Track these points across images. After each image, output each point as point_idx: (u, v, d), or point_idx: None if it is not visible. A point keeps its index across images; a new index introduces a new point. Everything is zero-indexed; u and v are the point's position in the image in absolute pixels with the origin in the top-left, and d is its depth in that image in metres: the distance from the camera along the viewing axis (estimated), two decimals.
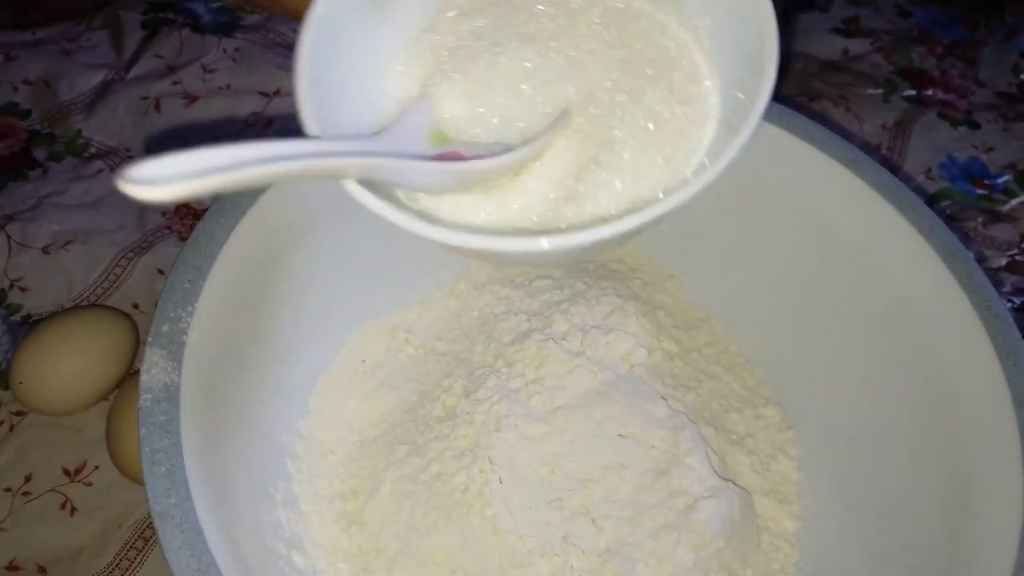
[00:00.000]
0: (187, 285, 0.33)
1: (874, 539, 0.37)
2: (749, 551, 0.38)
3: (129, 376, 0.46)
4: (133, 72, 0.62)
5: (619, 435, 0.39)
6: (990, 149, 0.63)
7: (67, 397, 0.44)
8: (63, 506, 0.43)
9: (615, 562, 0.35)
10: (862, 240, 0.40)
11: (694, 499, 0.36)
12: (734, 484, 0.38)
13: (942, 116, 0.65)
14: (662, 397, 0.41)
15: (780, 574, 0.38)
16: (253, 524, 0.33)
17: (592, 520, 0.36)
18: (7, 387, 0.46)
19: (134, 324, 0.47)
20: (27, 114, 0.59)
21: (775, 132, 0.41)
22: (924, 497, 0.35)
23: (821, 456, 0.41)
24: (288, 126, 0.47)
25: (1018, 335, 0.34)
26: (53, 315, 0.47)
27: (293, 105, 0.59)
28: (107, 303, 0.51)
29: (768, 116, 0.41)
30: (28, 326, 0.49)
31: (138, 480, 0.42)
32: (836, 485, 0.40)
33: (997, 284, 0.37)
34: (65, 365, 0.43)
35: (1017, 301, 0.54)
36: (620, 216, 0.24)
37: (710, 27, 0.29)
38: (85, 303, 0.51)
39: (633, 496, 0.37)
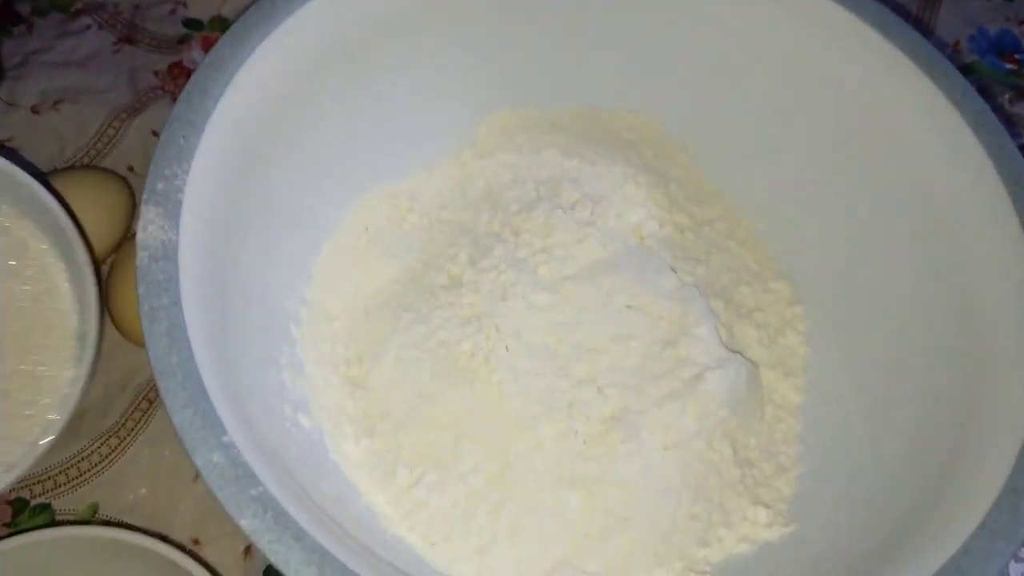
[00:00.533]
0: (181, 141, 0.32)
1: (878, 413, 0.37)
2: (753, 421, 0.38)
3: (127, 239, 0.45)
4: None
5: (627, 306, 0.38)
6: (1023, 22, 0.60)
7: None
8: None
9: (620, 428, 0.35)
10: (887, 108, 0.38)
11: (701, 369, 0.36)
12: (741, 356, 0.38)
13: None
14: (672, 269, 0.40)
15: (782, 444, 0.38)
16: (258, 385, 0.32)
17: (598, 388, 0.36)
18: None
19: (130, 186, 0.46)
20: None
21: None
22: (932, 371, 0.35)
23: (829, 331, 0.41)
24: None
25: None
26: (47, 175, 0.46)
27: None
28: (102, 165, 0.49)
29: None
30: None
31: (139, 343, 0.42)
32: (843, 359, 0.40)
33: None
34: None
35: None
36: None
37: None
38: (79, 164, 0.49)
39: (640, 365, 0.37)
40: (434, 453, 0.34)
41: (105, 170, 0.47)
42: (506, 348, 0.36)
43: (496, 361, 0.35)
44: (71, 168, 0.49)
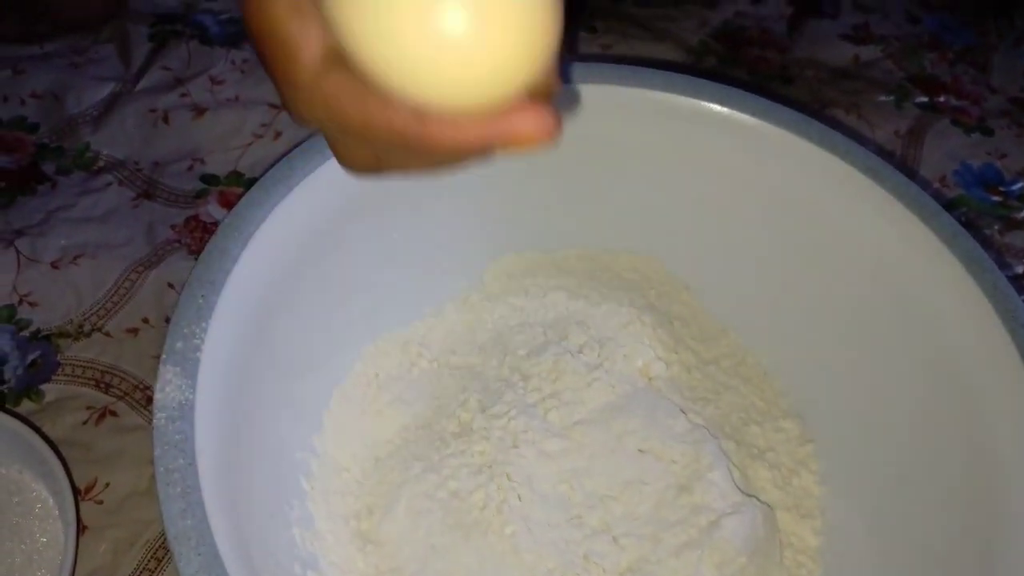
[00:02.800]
0: (200, 301, 0.33)
1: (896, 553, 0.36)
2: (772, 567, 0.37)
3: None
4: (141, 84, 0.62)
5: (639, 450, 0.38)
6: (1004, 155, 0.62)
7: None
8: None
9: None
10: (882, 248, 0.39)
11: (717, 515, 0.36)
12: (757, 499, 0.38)
13: (955, 123, 0.64)
14: (681, 411, 0.40)
15: None
16: (268, 544, 0.32)
17: (613, 538, 0.35)
18: (18, 404, 0.45)
19: None
20: (35, 128, 0.59)
21: (792, 139, 0.41)
22: (949, 512, 0.35)
23: (842, 469, 0.41)
24: (296, 138, 0.46)
25: None
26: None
27: None
28: (117, 317, 0.50)
29: (782, 122, 0.41)
30: (37, 342, 0.49)
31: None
32: (858, 499, 0.39)
33: (1017, 293, 0.36)
34: None
35: None
36: None
37: None
38: (95, 318, 0.50)
39: (654, 513, 0.36)
40: None
41: None
42: (519, 497, 0.36)
43: (508, 512, 0.35)
44: None
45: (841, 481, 0.40)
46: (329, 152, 0.38)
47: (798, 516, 0.39)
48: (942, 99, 0.66)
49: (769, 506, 0.38)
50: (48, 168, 0.57)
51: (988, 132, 0.64)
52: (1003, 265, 0.55)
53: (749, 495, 0.37)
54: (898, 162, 0.61)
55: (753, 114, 0.41)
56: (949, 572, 0.33)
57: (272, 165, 0.38)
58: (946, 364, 0.36)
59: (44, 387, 0.46)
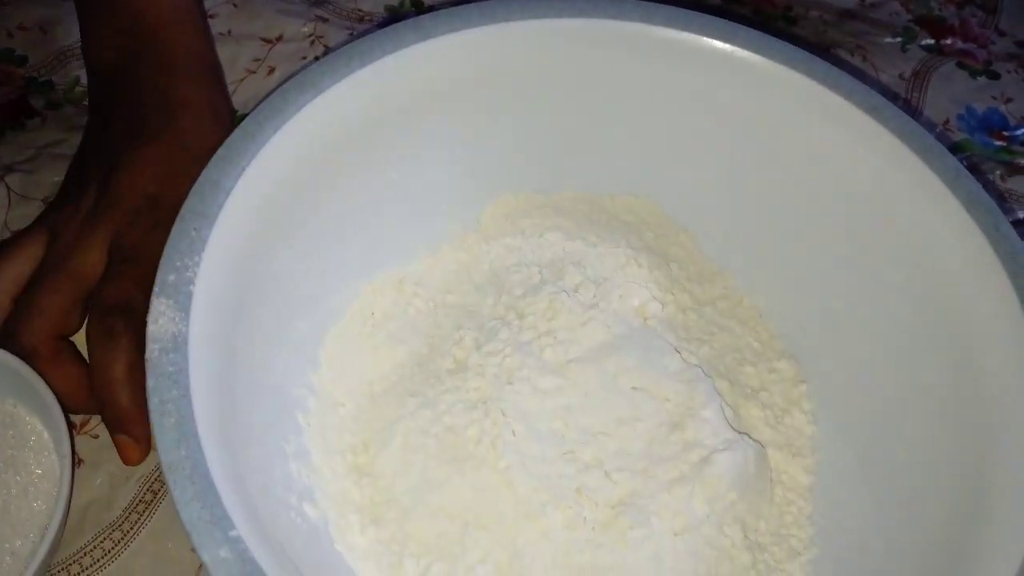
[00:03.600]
0: (193, 234, 0.32)
1: (889, 492, 0.37)
2: (763, 504, 0.37)
3: None
4: None
5: (633, 388, 0.38)
6: (1009, 100, 0.61)
7: None
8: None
9: (629, 514, 0.34)
10: (883, 190, 0.39)
11: (708, 452, 0.36)
12: (748, 437, 0.38)
13: (961, 66, 0.63)
14: (676, 350, 0.40)
15: (793, 527, 0.38)
16: (264, 475, 0.32)
17: (605, 473, 0.36)
18: None
19: None
20: (23, 61, 0.58)
21: (795, 77, 0.40)
22: (942, 452, 0.35)
23: (835, 410, 0.41)
24: (291, 73, 0.45)
25: None
26: None
27: (296, 53, 0.58)
28: None
29: (786, 60, 0.40)
30: None
31: None
32: (850, 438, 0.39)
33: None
34: None
35: None
36: None
37: None
38: None
39: (647, 449, 0.36)
40: (441, 543, 0.34)
41: None
42: (513, 433, 0.36)
43: (503, 446, 0.35)
44: None
45: (833, 421, 0.40)
46: (323, 85, 0.37)
47: (790, 455, 0.39)
48: (948, 41, 0.65)
49: (761, 444, 0.38)
50: (37, 102, 0.56)
51: (994, 76, 0.63)
52: (1005, 210, 0.55)
53: (741, 433, 0.38)
54: (902, 105, 0.60)
55: (756, 51, 0.40)
56: (939, 509, 0.34)
57: (264, 98, 0.37)
58: (943, 305, 0.36)
59: None
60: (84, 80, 0.57)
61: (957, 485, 0.33)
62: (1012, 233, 0.35)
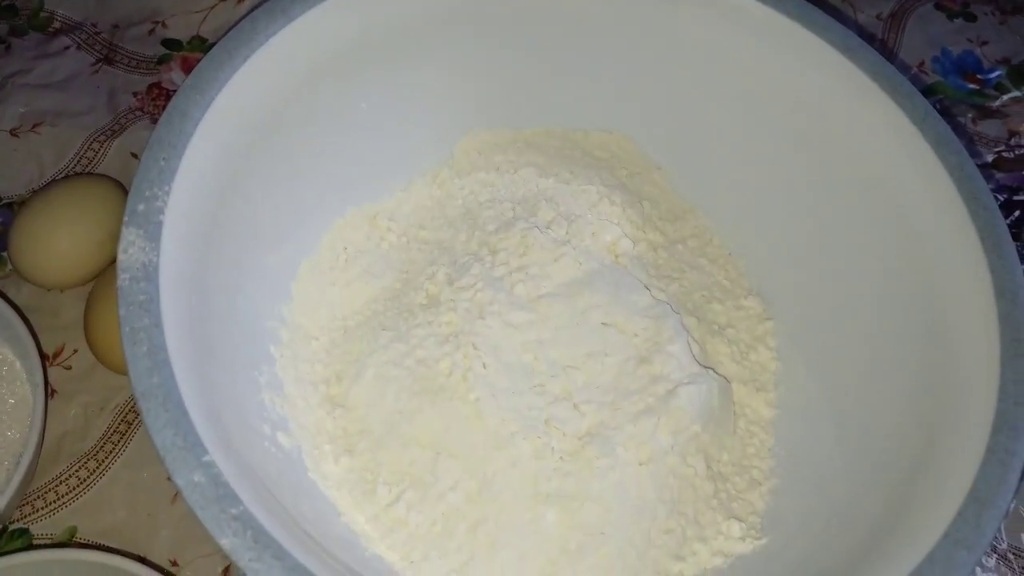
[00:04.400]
0: (162, 163, 0.32)
1: (848, 425, 0.38)
2: (725, 436, 0.38)
3: (109, 265, 0.45)
4: None
5: (602, 323, 0.39)
6: (985, 43, 0.62)
7: (66, 269, 0.43)
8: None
9: (595, 444, 0.35)
10: (853, 129, 0.39)
11: (674, 385, 0.37)
12: (714, 372, 0.39)
13: (938, 7, 0.63)
14: (646, 287, 0.41)
15: (755, 458, 0.39)
16: (237, 405, 0.33)
17: (574, 404, 0.36)
18: None
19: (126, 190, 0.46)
20: None
21: (768, 13, 0.40)
22: (899, 385, 0.36)
23: (800, 346, 0.42)
24: (261, 1, 0.44)
25: (1005, 228, 0.34)
26: (46, 185, 0.46)
27: None
28: None
29: None
30: (0, 209, 0.48)
31: (115, 368, 0.42)
32: (813, 375, 0.40)
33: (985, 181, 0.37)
34: (62, 235, 0.42)
35: (1002, 198, 0.54)
36: None
37: None
38: None
39: (614, 382, 0.37)
40: (413, 471, 0.35)
41: (103, 176, 0.47)
42: (484, 366, 0.36)
43: (474, 379, 0.36)
44: (67, 177, 0.49)
45: (798, 357, 0.41)
46: (294, 12, 0.37)
47: (754, 389, 0.40)
48: None
49: (726, 379, 0.39)
50: (1, 29, 0.55)
51: (971, 18, 0.63)
52: (974, 153, 0.56)
53: (707, 368, 0.38)
54: (878, 46, 0.60)
55: None
56: (898, 441, 0.35)
57: (234, 25, 0.36)
58: (906, 243, 0.37)
59: (6, 254, 0.46)
60: (48, 6, 0.56)
61: (916, 419, 0.34)
62: (976, 174, 0.36)
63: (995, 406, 0.31)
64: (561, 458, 0.35)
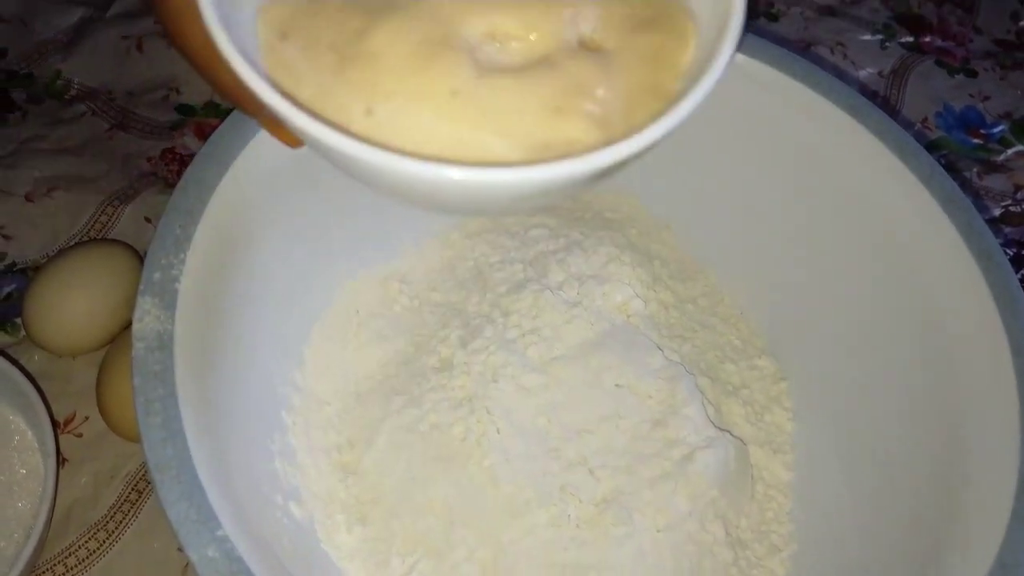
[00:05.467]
0: (178, 231, 0.32)
1: (868, 488, 0.37)
2: (744, 500, 0.38)
3: (122, 331, 0.45)
4: (113, 10, 0.60)
5: (616, 385, 0.39)
6: (987, 98, 0.62)
7: (80, 335, 0.43)
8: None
9: (612, 511, 0.35)
10: (861, 187, 0.39)
11: (690, 449, 0.37)
12: (730, 434, 0.38)
13: (939, 64, 0.64)
14: (658, 347, 0.40)
15: (774, 523, 0.38)
16: (250, 474, 0.32)
17: (589, 470, 0.36)
18: None
19: (140, 256, 0.46)
20: (3, 53, 0.57)
21: (775, 75, 0.40)
22: (918, 447, 0.36)
23: (815, 407, 0.41)
24: None
25: (1017, 285, 0.34)
26: (60, 252, 0.46)
27: None
28: None
29: (768, 59, 0.40)
30: (12, 275, 0.48)
31: (127, 436, 0.42)
32: (830, 435, 0.40)
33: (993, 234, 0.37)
34: (76, 302, 0.42)
35: (1011, 252, 0.54)
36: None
37: None
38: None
39: (630, 446, 0.37)
40: (427, 540, 0.34)
41: (118, 242, 0.48)
42: (497, 431, 0.36)
43: (488, 444, 0.36)
44: (85, 242, 0.49)
45: (813, 418, 0.41)
46: None
47: (770, 451, 0.40)
48: (927, 39, 0.65)
49: (742, 441, 0.39)
50: (18, 96, 0.56)
51: (972, 74, 0.63)
52: (981, 208, 0.55)
53: (722, 430, 0.38)
54: (881, 102, 0.61)
55: (738, 49, 0.40)
56: (916, 504, 0.34)
57: None
58: (919, 302, 0.37)
59: (19, 320, 0.46)
60: (65, 74, 0.57)
61: (932, 480, 0.34)
62: (986, 230, 0.36)
63: (1018, 467, 0.31)
64: (577, 526, 0.35)
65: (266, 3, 0.23)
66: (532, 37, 0.22)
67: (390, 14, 0.21)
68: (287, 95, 0.20)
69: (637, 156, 0.20)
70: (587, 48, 0.23)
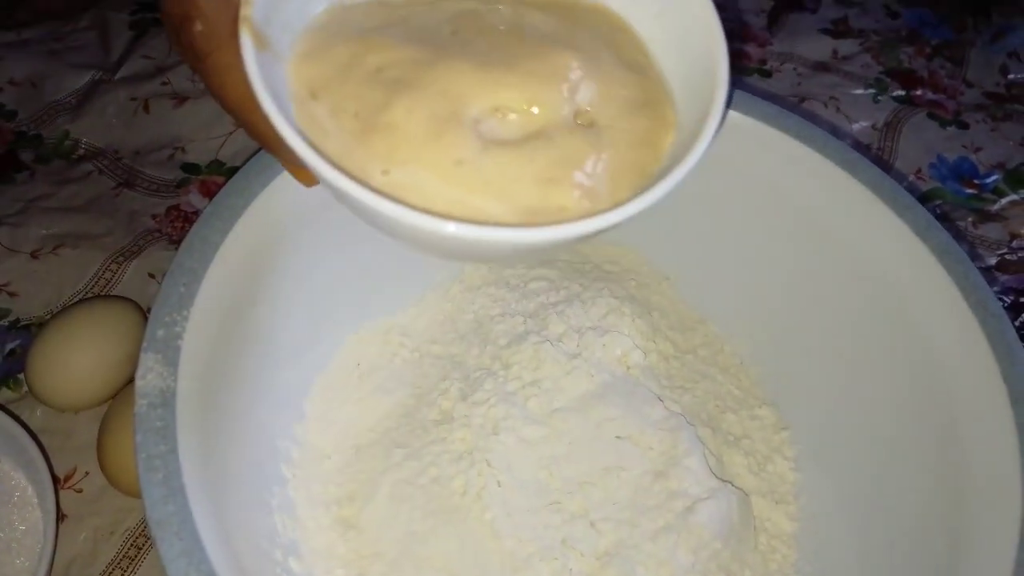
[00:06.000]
0: (182, 289, 0.33)
1: (871, 539, 0.37)
2: (747, 552, 0.38)
3: (124, 387, 0.45)
4: (121, 72, 0.61)
5: (617, 437, 0.39)
6: (979, 149, 0.63)
7: (83, 392, 0.43)
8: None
9: (615, 565, 0.35)
10: (857, 241, 0.40)
11: (692, 501, 0.36)
12: (731, 485, 0.38)
13: (931, 116, 0.65)
14: (659, 398, 0.41)
15: (778, 574, 0.38)
16: (250, 530, 0.32)
17: (591, 523, 0.36)
18: None
19: (144, 312, 0.47)
20: (13, 115, 0.59)
21: (769, 132, 0.41)
22: (921, 496, 0.35)
23: (817, 456, 0.41)
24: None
25: (1014, 334, 0.35)
26: (64, 309, 0.46)
27: None
28: None
29: (762, 116, 0.41)
30: (16, 331, 0.49)
31: (128, 492, 0.42)
32: (833, 485, 0.40)
33: (989, 283, 0.37)
34: (79, 359, 0.43)
35: (1008, 300, 0.54)
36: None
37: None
38: None
39: (632, 498, 0.37)
40: None
41: (121, 298, 0.48)
42: (498, 483, 0.36)
43: (489, 498, 0.36)
44: (84, 300, 0.49)
45: (816, 468, 0.41)
46: None
47: (773, 502, 0.40)
48: (919, 92, 0.67)
49: (744, 492, 0.39)
50: (26, 156, 0.57)
51: (963, 126, 0.65)
52: (976, 257, 0.56)
53: (724, 481, 0.38)
54: (874, 155, 0.62)
55: (732, 107, 0.41)
56: (921, 554, 0.34)
57: (254, 154, 0.38)
58: (919, 353, 0.37)
59: (22, 376, 0.46)
60: (73, 135, 0.58)
61: (937, 531, 0.34)
62: (982, 282, 0.36)
63: (1020, 517, 0.31)
64: None
65: (299, 55, 0.26)
66: (534, 111, 0.25)
67: (407, 91, 0.25)
68: (315, 147, 0.23)
69: (616, 226, 0.23)
70: (580, 121, 0.26)
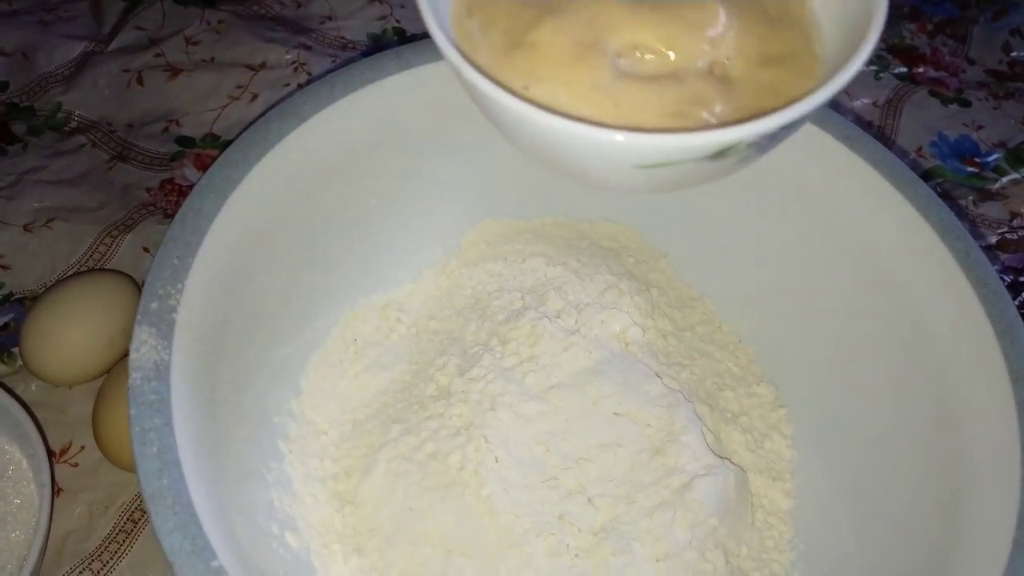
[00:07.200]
0: (175, 262, 0.32)
1: (867, 516, 0.37)
2: (743, 528, 0.38)
3: (119, 361, 0.45)
4: (114, 44, 0.61)
5: (614, 413, 0.38)
6: (980, 127, 0.63)
7: (77, 366, 0.43)
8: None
9: (611, 540, 0.34)
10: (857, 217, 0.39)
11: (689, 477, 0.36)
12: (729, 462, 0.38)
13: (933, 94, 0.64)
14: (657, 375, 0.40)
15: (774, 551, 0.38)
16: (246, 505, 0.32)
17: (588, 499, 0.36)
18: None
19: (138, 285, 0.46)
20: (4, 87, 0.58)
21: None
22: (918, 474, 0.35)
23: (814, 434, 0.41)
24: (273, 101, 0.45)
25: (1015, 312, 0.34)
26: (58, 282, 0.46)
27: (278, 80, 0.57)
28: None
29: None
30: (10, 305, 0.48)
31: (124, 467, 0.41)
32: (829, 462, 0.40)
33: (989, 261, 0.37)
34: (74, 333, 0.42)
35: (1008, 279, 0.54)
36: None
37: None
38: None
39: (628, 474, 0.37)
40: (424, 570, 0.34)
41: (115, 272, 0.48)
42: (495, 459, 0.36)
43: (485, 473, 0.35)
44: (78, 273, 0.49)
45: (813, 445, 0.41)
46: (306, 113, 0.38)
47: (770, 479, 0.40)
48: (921, 70, 0.66)
49: (741, 469, 0.39)
50: (18, 128, 0.56)
51: (965, 104, 0.64)
52: (976, 235, 0.56)
53: (722, 458, 0.38)
54: (876, 132, 0.61)
55: None
56: (917, 531, 0.34)
57: (248, 126, 0.37)
58: (917, 330, 0.37)
59: (16, 350, 0.46)
60: (65, 107, 0.57)
61: (935, 509, 0.34)
62: (983, 259, 0.36)
63: (1018, 496, 0.31)
64: (576, 555, 0.34)
65: None
66: (670, 55, 0.26)
67: (556, 14, 0.26)
68: (467, 57, 0.25)
69: (793, 126, 0.24)
70: (716, 72, 0.26)
